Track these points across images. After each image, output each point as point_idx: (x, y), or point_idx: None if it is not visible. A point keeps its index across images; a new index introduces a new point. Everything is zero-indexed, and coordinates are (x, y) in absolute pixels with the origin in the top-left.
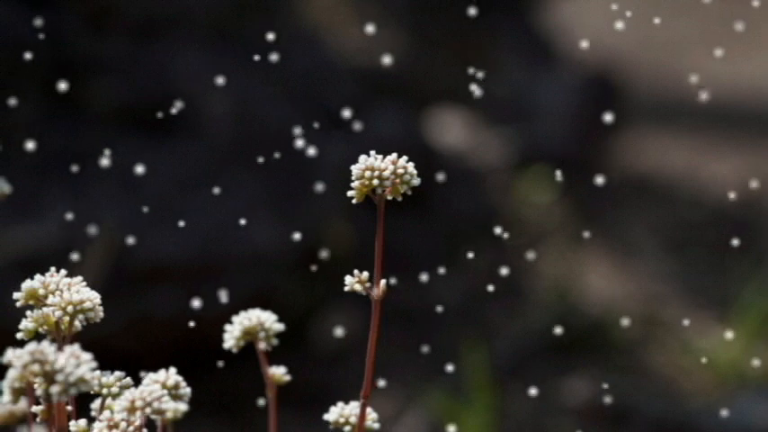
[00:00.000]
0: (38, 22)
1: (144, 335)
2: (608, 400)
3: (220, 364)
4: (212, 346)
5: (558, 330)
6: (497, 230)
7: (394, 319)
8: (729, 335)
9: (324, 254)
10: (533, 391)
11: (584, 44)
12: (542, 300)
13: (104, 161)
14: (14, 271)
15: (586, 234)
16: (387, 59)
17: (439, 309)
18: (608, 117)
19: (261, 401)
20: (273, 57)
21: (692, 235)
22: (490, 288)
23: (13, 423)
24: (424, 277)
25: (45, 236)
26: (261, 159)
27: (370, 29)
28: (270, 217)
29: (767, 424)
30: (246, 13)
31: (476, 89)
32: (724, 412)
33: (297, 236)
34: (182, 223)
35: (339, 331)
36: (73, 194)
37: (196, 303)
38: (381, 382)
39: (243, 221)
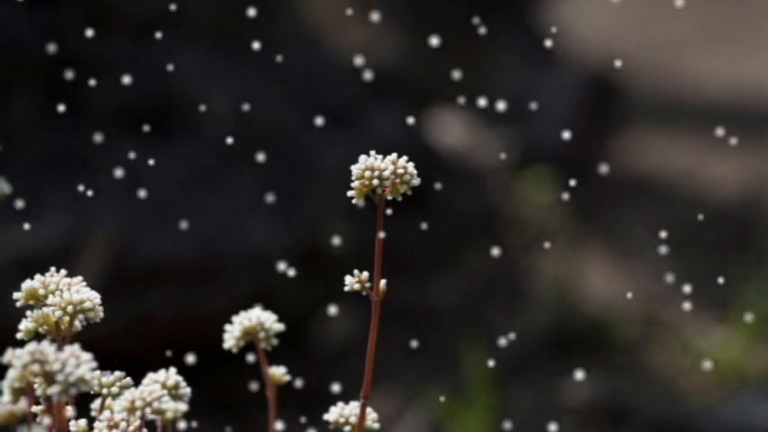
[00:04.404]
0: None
1: (144, 335)
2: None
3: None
4: (213, 346)
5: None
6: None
7: (394, 319)
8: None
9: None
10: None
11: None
12: (542, 300)
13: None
14: (14, 271)
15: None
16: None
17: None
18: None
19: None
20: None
21: (692, 235)
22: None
23: (13, 423)
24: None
25: (45, 236)
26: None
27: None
28: (270, 217)
29: (767, 424)
30: (246, 12)
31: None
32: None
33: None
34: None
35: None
36: (73, 194)
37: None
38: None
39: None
